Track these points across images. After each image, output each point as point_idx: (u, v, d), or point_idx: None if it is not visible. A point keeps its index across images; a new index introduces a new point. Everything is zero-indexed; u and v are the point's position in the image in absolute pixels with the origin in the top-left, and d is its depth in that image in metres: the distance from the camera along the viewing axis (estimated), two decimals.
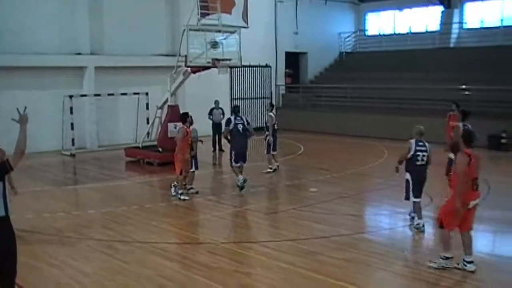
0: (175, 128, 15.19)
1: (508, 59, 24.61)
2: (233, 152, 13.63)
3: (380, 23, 34.35)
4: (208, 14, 16.81)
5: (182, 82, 18.65)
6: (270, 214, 12.13)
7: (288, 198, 13.72)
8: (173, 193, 13.00)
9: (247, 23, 17.93)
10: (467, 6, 30.43)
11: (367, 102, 26.30)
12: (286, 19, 29.60)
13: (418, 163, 9.91)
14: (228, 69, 19.06)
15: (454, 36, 30.28)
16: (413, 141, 9.97)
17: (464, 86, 23.88)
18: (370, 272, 8.39)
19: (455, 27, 30.32)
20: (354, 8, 34.72)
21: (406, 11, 33.03)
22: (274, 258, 8.69)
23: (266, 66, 28.81)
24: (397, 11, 33.51)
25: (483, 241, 9.98)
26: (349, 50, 34.16)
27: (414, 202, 10.07)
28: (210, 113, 20.53)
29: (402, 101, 24.93)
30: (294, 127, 25.94)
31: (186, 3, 21.47)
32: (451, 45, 30.01)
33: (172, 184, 13.13)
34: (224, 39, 17.27)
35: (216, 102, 20.86)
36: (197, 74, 18.09)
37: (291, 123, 26.09)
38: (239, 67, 21.61)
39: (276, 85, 29.85)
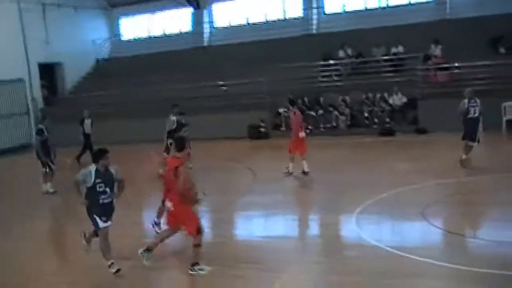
0: None
1: (253, 53, 26.53)
2: None
3: (135, 27, 34.35)
4: None
5: None
6: None
7: None
8: None
9: None
10: (215, 7, 31.95)
11: (132, 107, 26.14)
12: (35, 28, 27.84)
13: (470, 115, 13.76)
14: None
15: (206, 35, 31.62)
16: (466, 100, 13.83)
17: (222, 82, 25.14)
18: None
19: (206, 27, 31.67)
20: (106, 13, 34.16)
21: (159, 14, 33.52)
22: None
23: (18, 80, 26.96)
24: (150, 15, 33.82)
25: (258, 226, 10.63)
26: (106, 56, 33.58)
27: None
28: None
29: (168, 102, 25.27)
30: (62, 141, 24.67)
31: None
32: (205, 44, 31.33)
33: None
34: None
35: None
36: None
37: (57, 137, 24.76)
38: None
39: (32, 99, 28.10)
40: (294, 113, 14.41)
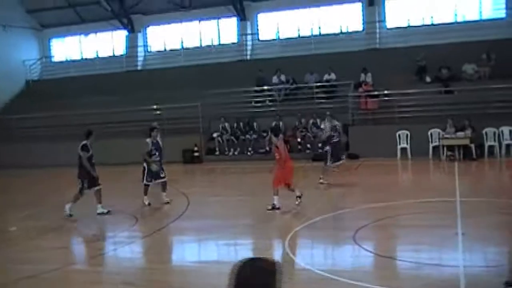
0: None
1: (187, 78, 26.62)
2: None
3: (67, 49, 33.75)
4: None
5: None
6: None
7: None
8: None
9: None
10: (150, 30, 31.85)
11: (62, 130, 25.53)
12: None
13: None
14: None
15: (140, 59, 31.44)
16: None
17: (155, 106, 24.98)
18: None
19: (140, 50, 31.49)
20: (37, 34, 33.44)
21: (92, 36, 33.09)
22: None
23: None
24: (82, 36, 33.35)
25: (190, 251, 10.55)
26: (36, 78, 32.83)
27: None
28: None
29: (99, 125, 24.88)
30: None
31: None
32: (139, 67, 31.13)
33: None
34: None
35: None
36: None
37: None
38: None
39: None
40: (281, 142, 13.16)
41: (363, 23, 28.02)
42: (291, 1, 28.53)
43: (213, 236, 11.37)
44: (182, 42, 31.01)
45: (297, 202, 12.64)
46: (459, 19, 26.58)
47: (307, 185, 15.36)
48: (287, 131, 23.44)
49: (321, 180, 15.93)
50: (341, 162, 16.74)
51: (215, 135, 23.59)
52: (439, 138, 20.76)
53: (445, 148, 20.57)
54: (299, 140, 23.07)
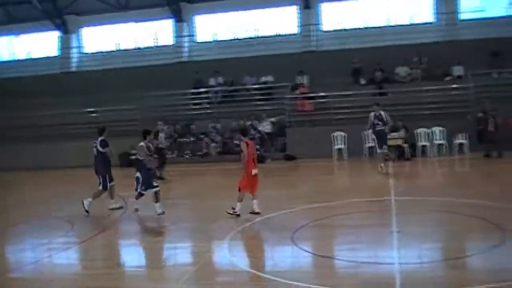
0: None
1: (124, 80, 26.23)
2: None
3: None
4: None
5: None
6: None
7: None
8: None
9: None
10: (84, 31, 31.16)
11: None
12: None
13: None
14: None
15: (74, 60, 30.71)
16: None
17: (92, 109, 24.51)
18: None
19: (74, 52, 30.77)
20: None
21: (24, 36, 32.07)
22: None
23: None
24: (14, 37, 32.27)
25: (130, 255, 10.39)
26: None
27: None
28: None
29: (31, 129, 24.22)
30: None
31: None
32: (73, 69, 30.40)
33: None
34: None
35: None
36: None
37: None
38: None
39: None
40: (247, 144, 12.20)
41: (299, 26, 28.34)
42: (228, 3, 28.53)
43: (151, 240, 11.23)
44: (118, 44, 30.49)
45: (230, 212, 11.98)
46: (392, 23, 27.27)
47: None
48: (225, 133, 23.48)
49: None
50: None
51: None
52: (372, 139, 21.21)
53: None
54: (236, 142, 23.09)
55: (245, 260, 9.38)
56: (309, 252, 9.63)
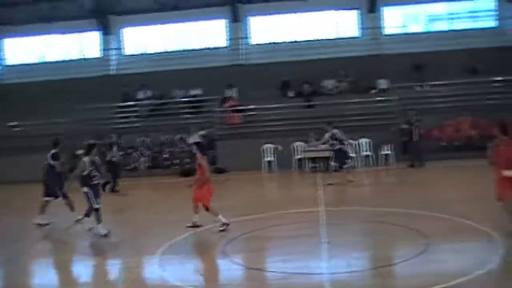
0: None
1: (49, 93, 25.40)
2: None
3: None
4: None
5: None
6: None
7: None
8: None
9: None
10: (7, 42, 30.16)
11: None
12: None
13: None
14: None
15: None
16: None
17: (15, 123, 23.77)
18: None
19: None
20: None
21: None
22: None
23: None
24: None
25: (60, 273, 10.04)
26: None
27: None
28: None
29: None
30: None
31: None
32: None
33: None
34: None
35: None
36: None
37: None
38: None
39: None
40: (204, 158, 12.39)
41: (228, 39, 28.50)
42: (157, 15, 28.34)
43: (79, 257, 10.93)
44: (42, 56, 29.67)
45: (221, 228, 11.70)
46: (319, 37, 27.85)
47: (178, 200, 15.28)
48: (154, 147, 23.22)
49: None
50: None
51: (79, 152, 22.68)
52: (302, 151, 21.53)
53: (308, 161, 21.36)
54: (166, 156, 22.92)
55: (176, 274, 9.25)
56: (241, 265, 9.63)
